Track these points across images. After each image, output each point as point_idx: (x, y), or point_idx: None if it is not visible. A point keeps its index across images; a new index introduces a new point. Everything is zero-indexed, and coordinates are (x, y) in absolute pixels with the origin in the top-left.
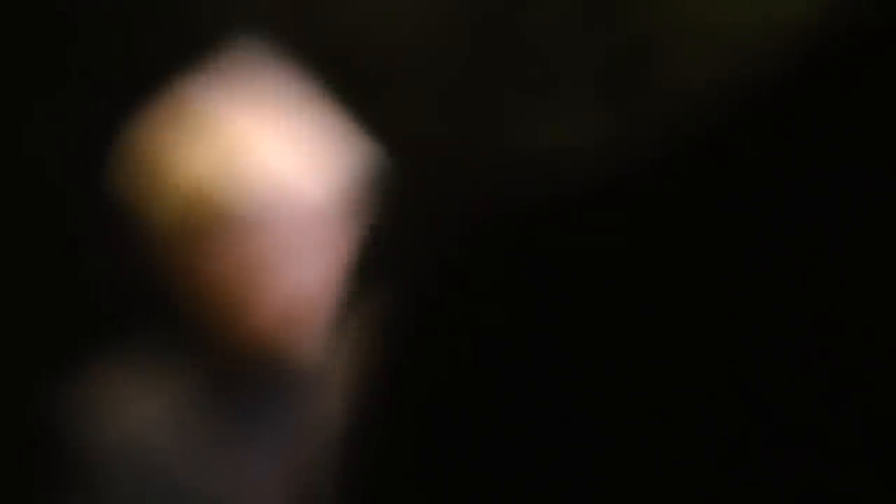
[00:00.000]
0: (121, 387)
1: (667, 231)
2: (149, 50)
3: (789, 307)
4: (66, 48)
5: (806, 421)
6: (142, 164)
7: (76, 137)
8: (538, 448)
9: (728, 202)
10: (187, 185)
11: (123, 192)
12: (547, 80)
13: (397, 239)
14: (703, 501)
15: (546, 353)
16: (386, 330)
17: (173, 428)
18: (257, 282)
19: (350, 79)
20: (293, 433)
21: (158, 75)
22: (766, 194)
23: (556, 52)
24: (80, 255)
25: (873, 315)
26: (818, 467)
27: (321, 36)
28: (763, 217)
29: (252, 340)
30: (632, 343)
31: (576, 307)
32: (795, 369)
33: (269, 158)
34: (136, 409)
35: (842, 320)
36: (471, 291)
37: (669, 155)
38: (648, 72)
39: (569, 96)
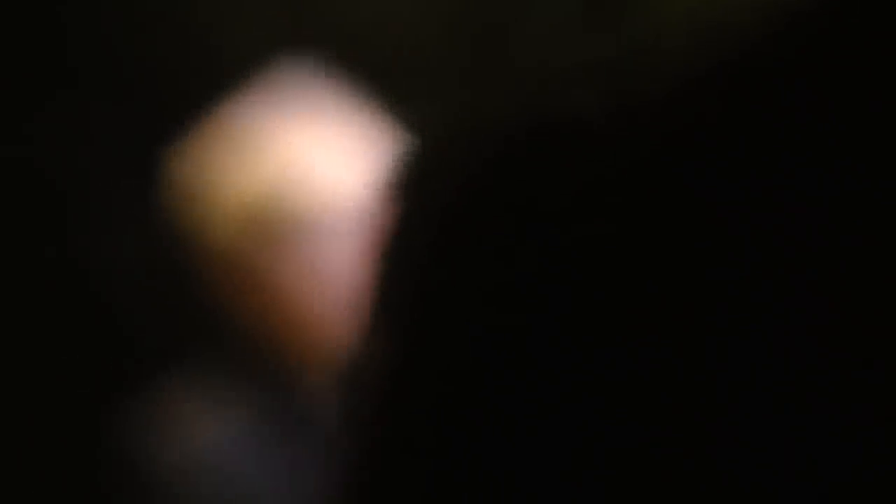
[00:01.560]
0: (186, 406)
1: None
2: (165, 61)
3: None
4: (68, 51)
5: (803, 418)
6: (193, 183)
7: (84, 141)
8: (547, 445)
9: (715, 172)
10: (239, 202)
11: (172, 211)
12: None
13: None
14: (703, 500)
15: (553, 343)
16: (407, 327)
17: (238, 445)
18: (314, 289)
19: (357, 79)
20: (347, 444)
21: (175, 87)
22: (749, 158)
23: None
24: (130, 270)
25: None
26: (817, 466)
27: (329, 39)
28: (744, 183)
29: (312, 347)
30: (630, 329)
31: (576, 285)
32: (791, 354)
33: (317, 167)
34: (201, 428)
35: (830, 299)
36: (475, 281)
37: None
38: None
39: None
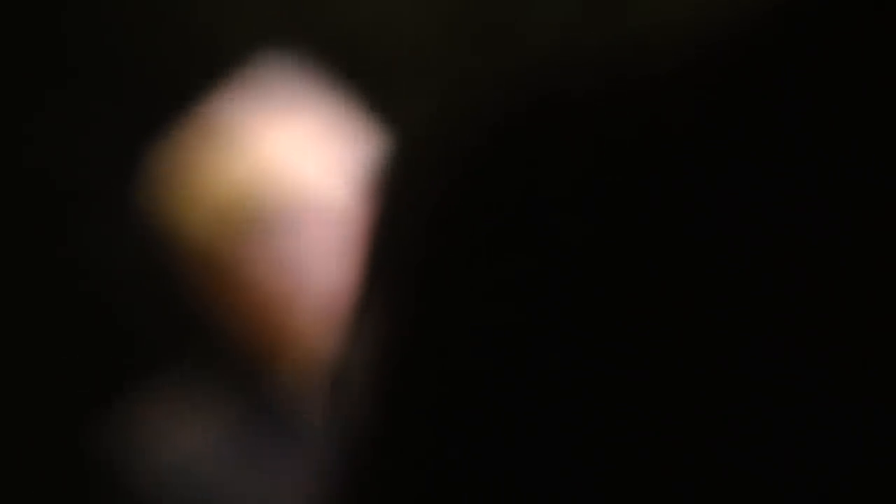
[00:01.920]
0: (166, 414)
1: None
2: (164, 61)
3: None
4: (71, 51)
5: (804, 417)
6: (172, 181)
7: (83, 141)
8: (550, 447)
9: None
10: (219, 198)
11: (153, 208)
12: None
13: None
14: (703, 500)
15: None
16: (396, 323)
17: (219, 454)
18: (293, 286)
19: (358, 79)
20: (328, 448)
21: (174, 86)
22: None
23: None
24: (116, 275)
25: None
26: (818, 466)
27: (330, 38)
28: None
29: (294, 347)
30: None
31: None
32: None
33: (301, 164)
34: (182, 437)
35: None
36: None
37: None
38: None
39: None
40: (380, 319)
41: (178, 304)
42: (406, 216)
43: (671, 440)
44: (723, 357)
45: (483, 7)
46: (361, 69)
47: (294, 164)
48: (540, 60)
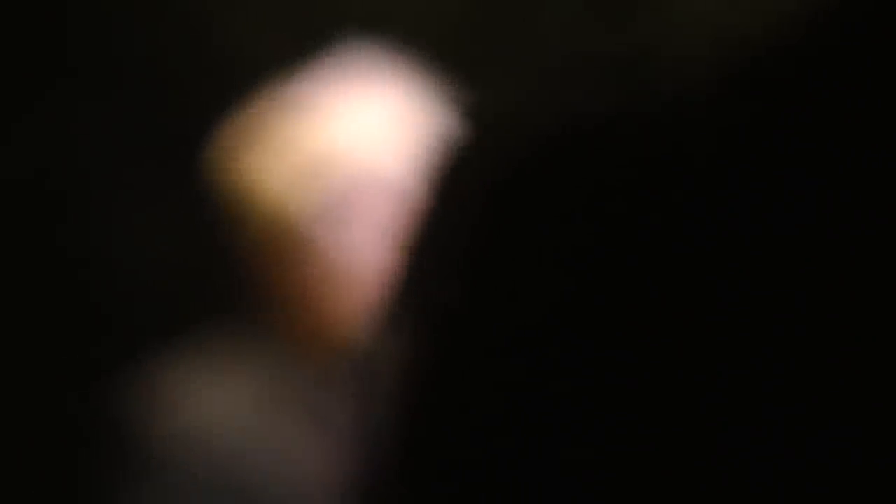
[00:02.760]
0: (190, 378)
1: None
2: (168, 61)
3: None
4: (73, 50)
5: (807, 421)
6: (244, 151)
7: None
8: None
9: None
10: (290, 171)
11: (219, 175)
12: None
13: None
14: (704, 501)
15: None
16: (436, 319)
17: (242, 418)
18: (348, 267)
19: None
20: (359, 422)
21: (177, 86)
22: (761, 161)
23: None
24: (138, 244)
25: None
26: (816, 468)
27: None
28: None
29: (329, 328)
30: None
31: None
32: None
33: (367, 144)
34: (205, 401)
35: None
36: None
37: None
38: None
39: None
40: (414, 316)
41: (217, 272)
42: (459, 208)
43: (678, 444)
44: (724, 361)
45: (492, 4)
46: (415, 52)
47: (364, 144)
48: (559, 77)
